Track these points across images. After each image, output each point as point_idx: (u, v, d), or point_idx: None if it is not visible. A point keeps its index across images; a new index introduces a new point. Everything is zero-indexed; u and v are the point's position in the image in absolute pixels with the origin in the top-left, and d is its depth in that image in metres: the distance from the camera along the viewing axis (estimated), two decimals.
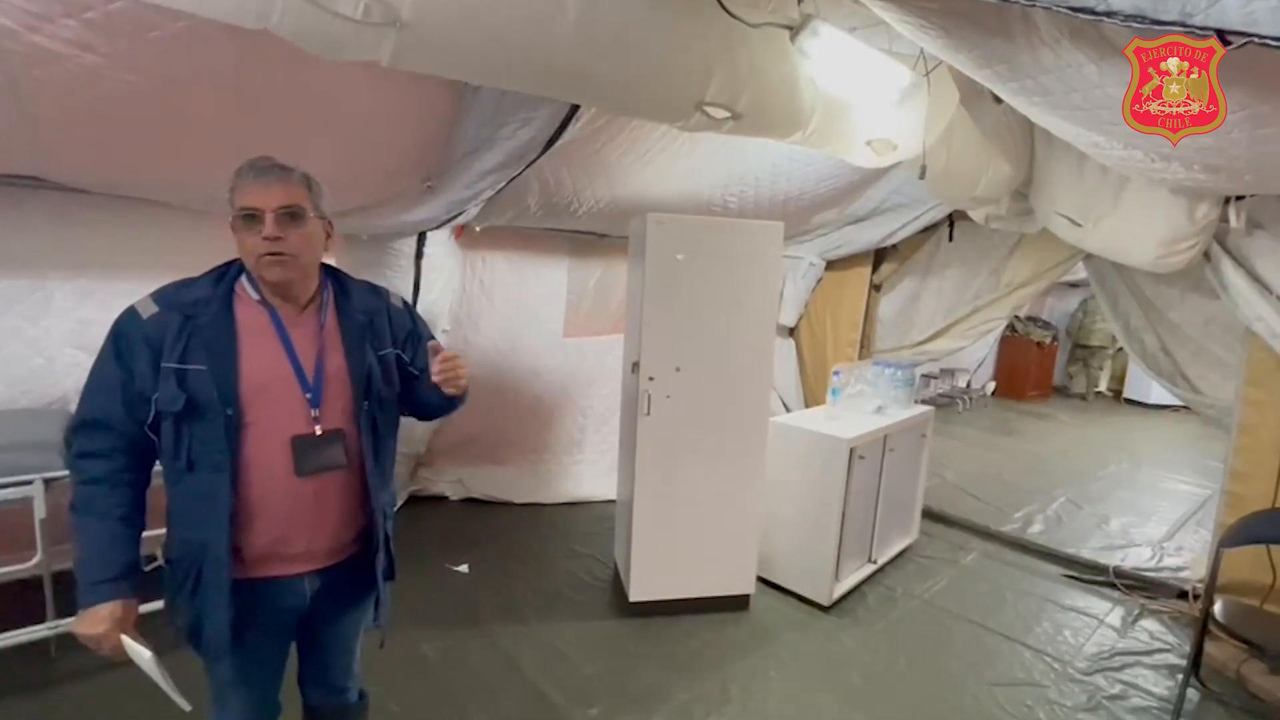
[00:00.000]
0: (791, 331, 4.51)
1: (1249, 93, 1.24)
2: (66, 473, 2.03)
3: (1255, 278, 2.53)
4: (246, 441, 1.18)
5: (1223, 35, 0.83)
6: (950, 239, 3.93)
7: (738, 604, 2.86)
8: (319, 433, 1.23)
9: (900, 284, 4.25)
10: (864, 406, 3.30)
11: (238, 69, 1.62)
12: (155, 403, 1.15)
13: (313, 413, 1.23)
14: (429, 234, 3.05)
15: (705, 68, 1.70)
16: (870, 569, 3.20)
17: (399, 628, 2.55)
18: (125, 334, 1.16)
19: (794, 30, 1.85)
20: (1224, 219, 2.48)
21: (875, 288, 4.28)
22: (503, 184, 2.40)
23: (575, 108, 1.99)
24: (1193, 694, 2.37)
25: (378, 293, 1.41)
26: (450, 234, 3.23)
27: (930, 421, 3.58)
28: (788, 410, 4.20)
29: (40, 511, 2.09)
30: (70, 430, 1.17)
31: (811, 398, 4.40)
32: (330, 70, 1.61)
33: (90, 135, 1.78)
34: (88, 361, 1.20)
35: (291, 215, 1.18)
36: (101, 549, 1.15)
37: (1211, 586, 2.35)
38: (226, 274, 1.25)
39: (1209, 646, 2.40)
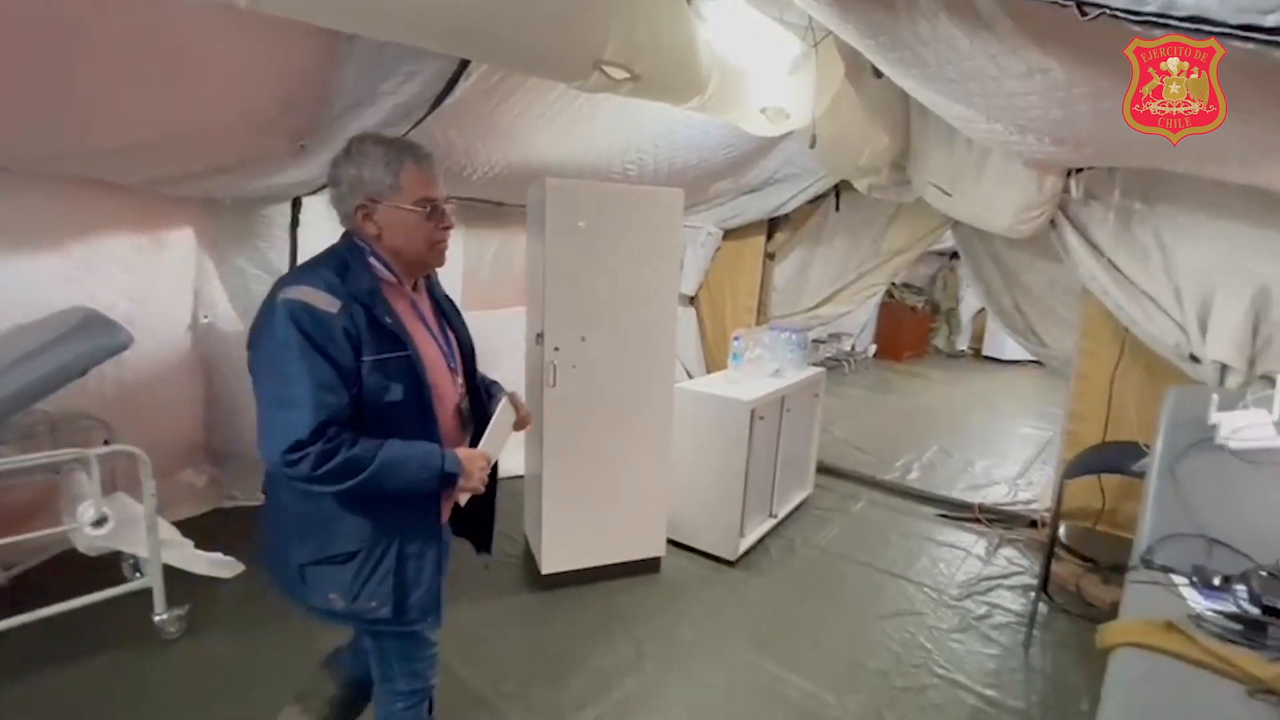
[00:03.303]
0: (692, 300, 4.60)
1: (1096, 68, 1.37)
2: None
3: (1090, 242, 2.86)
4: (435, 414, 1.28)
5: (1081, 6, 0.90)
6: (837, 209, 4.13)
7: (649, 567, 2.92)
8: (462, 395, 1.40)
9: (792, 252, 4.43)
10: (762, 370, 3.44)
11: (73, 8, 1.38)
12: (363, 393, 1.17)
13: (458, 380, 1.39)
14: (305, 200, 2.79)
15: (602, 25, 1.65)
16: (771, 523, 3.38)
17: (299, 622, 2.40)
18: (320, 333, 1.13)
19: None
20: (1066, 190, 2.78)
21: (770, 256, 4.44)
22: None
23: (465, 63, 1.87)
24: (1043, 608, 2.71)
25: (434, 275, 1.49)
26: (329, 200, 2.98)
27: (822, 382, 3.80)
28: (690, 376, 4.30)
29: None
30: (304, 440, 1.11)
31: (712, 363, 4.53)
32: (182, 11, 1.40)
33: None
34: None
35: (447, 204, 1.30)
36: (415, 449, 1.21)
37: (1057, 514, 2.69)
38: (360, 256, 1.25)
39: (1054, 566, 2.76)
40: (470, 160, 2.81)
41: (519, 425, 1.46)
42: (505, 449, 1.44)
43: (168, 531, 2.48)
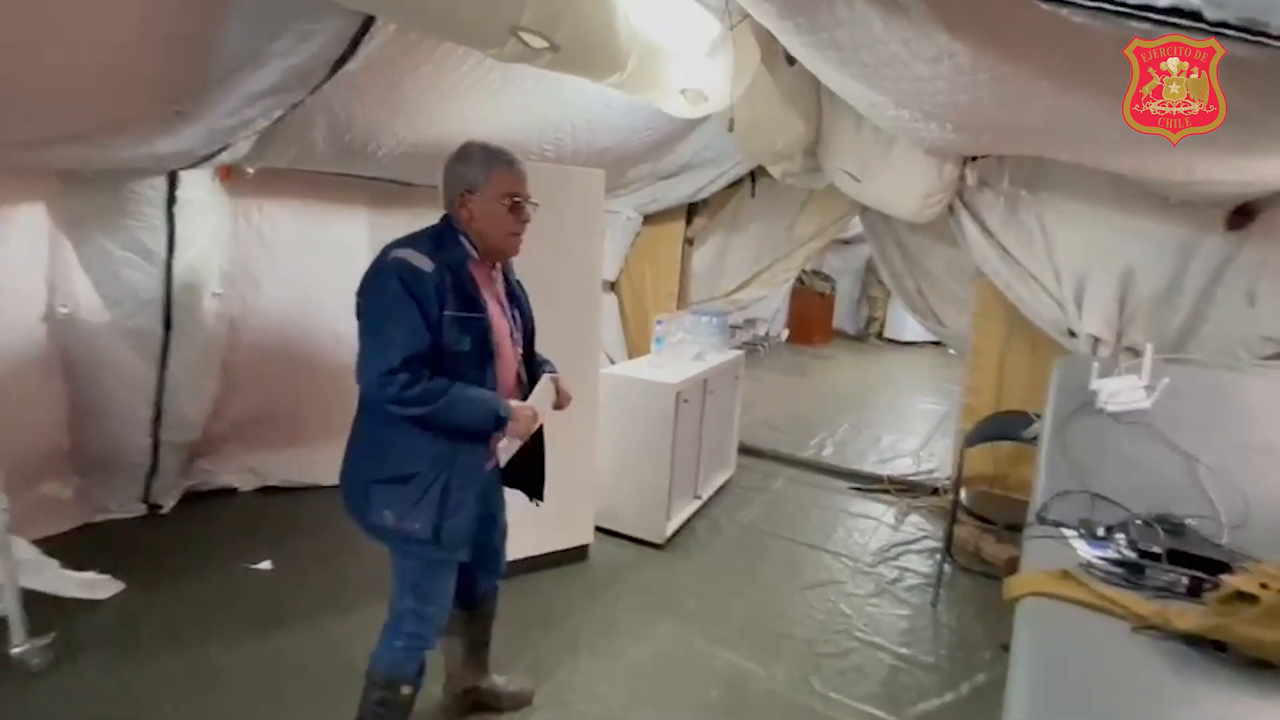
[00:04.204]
0: (613, 286, 4.56)
1: (996, 55, 1.44)
2: None
3: (983, 226, 3.07)
4: (496, 373, 1.54)
5: None
6: (753, 195, 4.22)
7: (577, 555, 2.88)
8: (521, 364, 1.66)
9: (710, 238, 4.49)
10: (685, 354, 3.46)
11: None
12: (441, 342, 1.43)
13: (519, 351, 1.66)
14: (183, 174, 2.50)
15: None
16: (697, 504, 3.43)
17: (189, 641, 2.18)
18: (416, 286, 1.40)
19: None
20: (963, 178, 2.97)
21: (688, 241, 4.47)
22: (279, 113, 2.03)
23: (368, 22, 1.72)
24: (947, 568, 2.90)
25: (509, 263, 1.72)
26: (213, 175, 2.70)
27: (742, 365, 3.88)
28: (612, 362, 4.27)
29: None
30: (395, 369, 1.39)
31: (634, 349, 4.52)
32: None
33: None
34: None
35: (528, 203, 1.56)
36: (479, 392, 1.48)
37: (958, 481, 2.88)
38: (455, 235, 1.53)
39: (956, 529, 2.96)
40: (375, 135, 2.62)
41: (558, 405, 1.69)
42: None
43: (25, 551, 2.18)
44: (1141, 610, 1.32)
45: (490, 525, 1.82)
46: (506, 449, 1.58)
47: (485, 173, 1.50)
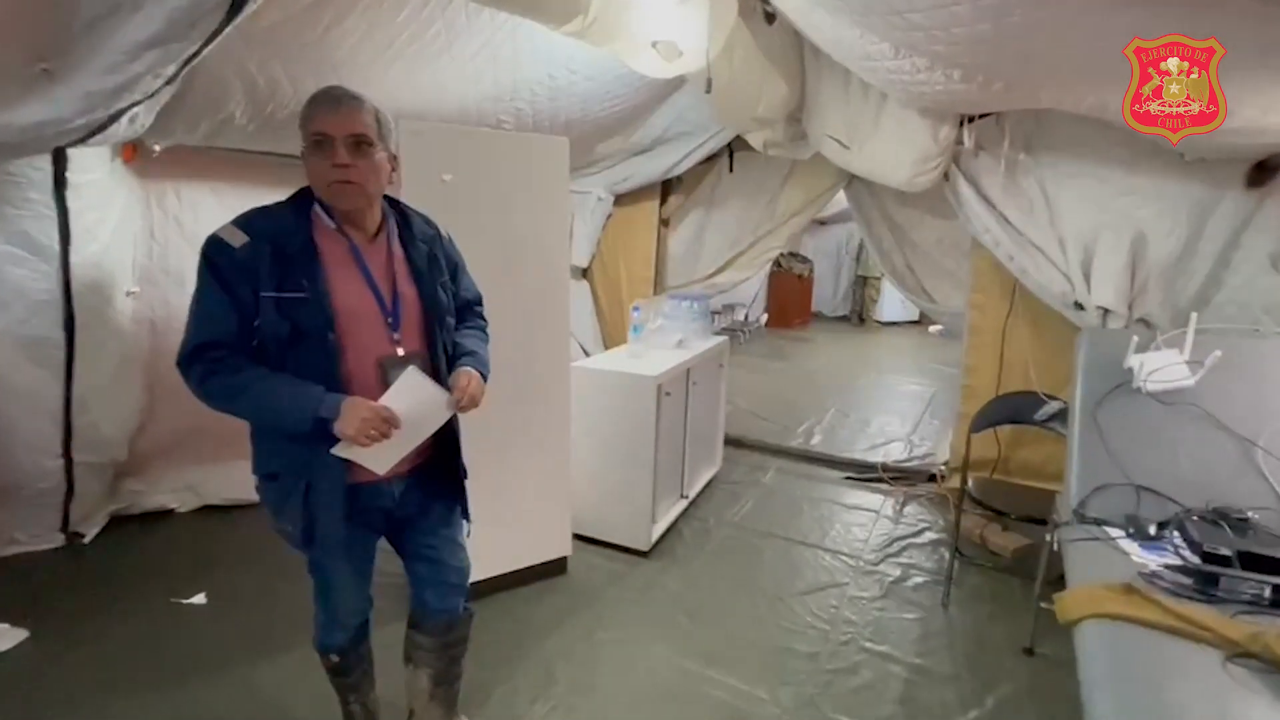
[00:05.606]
0: (585, 272, 4.27)
1: None
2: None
3: (982, 194, 2.84)
4: (343, 362, 1.27)
5: None
6: (730, 170, 3.95)
7: (555, 569, 2.61)
8: (401, 354, 1.34)
9: (687, 218, 4.21)
10: (665, 342, 3.19)
11: None
12: (259, 329, 1.22)
13: (395, 335, 1.33)
14: (72, 153, 2.14)
15: None
16: (683, 504, 3.18)
17: (98, 700, 1.86)
18: (220, 263, 1.20)
19: None
20: (959, 141, 2.73)
21: (664, 222, 4.19)
22: (173, 70, 1.69)
23: None
24: (955, 564, 2.69)
25: (430, 223, 1.50)
26: (114, 154, 2.33)
27: (726, 351, 3.63)
28: (587, 354, 3.99)
29: None
30: (186, 358, 1.22)
31: (610, 339, 4.24)
32: None
33: None
34: None
35: (359, 143, 1.24)
36: (294, 387, 1.21)
37: (965, 468, 2.67)
38: (302, 203, 1.29)
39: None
40: (301, 104, 2.29)
41: (464, 406, 1.39)
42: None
43: None
44: (1233, 634, 1.09)
45: (426, 530, 1.54)
46: (347, 451, 1.25)
47: (305, 118, 1.24)
